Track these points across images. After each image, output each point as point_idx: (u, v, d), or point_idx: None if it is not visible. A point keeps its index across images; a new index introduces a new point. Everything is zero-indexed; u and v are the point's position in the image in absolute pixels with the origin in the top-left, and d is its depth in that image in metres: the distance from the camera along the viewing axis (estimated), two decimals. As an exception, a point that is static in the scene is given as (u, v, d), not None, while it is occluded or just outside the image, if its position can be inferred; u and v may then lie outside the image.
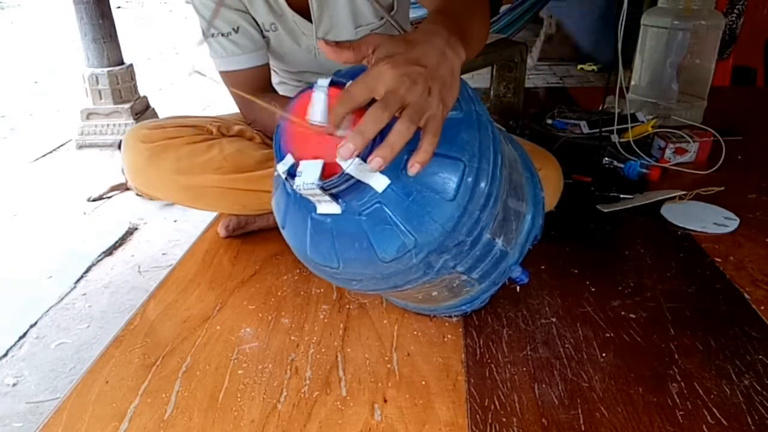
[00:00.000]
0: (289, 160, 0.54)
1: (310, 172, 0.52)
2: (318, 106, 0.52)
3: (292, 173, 0.54)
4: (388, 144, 0.48)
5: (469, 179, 0.56)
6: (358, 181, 0.54)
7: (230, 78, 0.99)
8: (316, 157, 0.53)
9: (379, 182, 0.54)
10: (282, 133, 0.56)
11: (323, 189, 0.53)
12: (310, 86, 0.55)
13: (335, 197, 0.55)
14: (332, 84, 0.54)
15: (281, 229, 0.66)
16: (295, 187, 0.53)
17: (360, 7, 0.97)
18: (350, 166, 0.51)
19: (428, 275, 0.62)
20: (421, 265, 0.59)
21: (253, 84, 1.00)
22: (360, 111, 0.50)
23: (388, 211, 0.56)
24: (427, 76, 0.49)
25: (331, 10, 0.96)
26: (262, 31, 0.99)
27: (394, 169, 0.54)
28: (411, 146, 0.50)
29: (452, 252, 0.60)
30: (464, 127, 0.57)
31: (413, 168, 0.50)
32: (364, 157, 0.50)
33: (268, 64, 1.02)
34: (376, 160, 0.48)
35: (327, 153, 0.53)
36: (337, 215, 0.57)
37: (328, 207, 0.57)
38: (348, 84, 0.51)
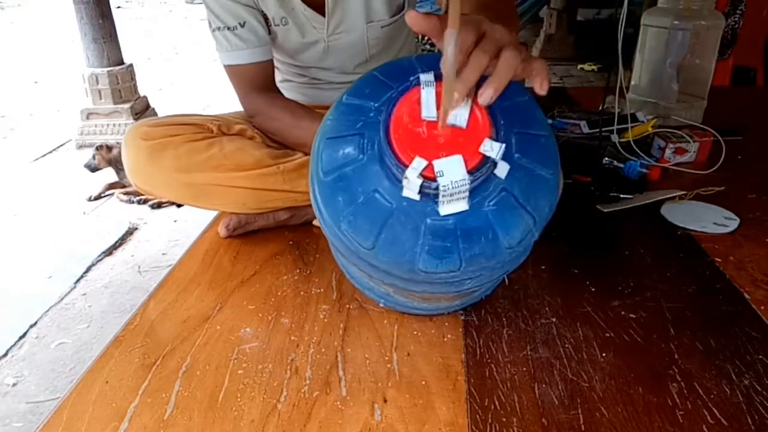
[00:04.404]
0: (420, 163, 0.50)
1: (452, 170, 0.49)
2: (431, 101, 0.51)
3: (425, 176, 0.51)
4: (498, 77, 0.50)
5: (559, 159, 0.59)
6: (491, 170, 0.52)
7: (234, 72, 1.00)
8: (438, 157, 0.50)
9: (503, 168, 0.53)
10: (389, 139, 0.52)
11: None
12: (410, 84, 0.53)
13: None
14: (437, 78, 0.52)
15: (368, 250, 0.58)
16: (442, 187, 0.50)
17: (374, 3, 0.98)
18: (498, 152, 0.50)
19: (522, 257, 0.62)
20: (529, 246, 0.59)
21: (257, 79, 1.01)
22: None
23: (514, 196, 0.55)
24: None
25: (345, 3, 0.97)
26: (270, 26, 1.00)
27: (507, 152, 0.53)
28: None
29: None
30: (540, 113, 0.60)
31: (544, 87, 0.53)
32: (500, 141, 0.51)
33: (272, 60, 1.02)
34: (487, 92, 0.49)
35: (450, 149, 0.51)
36: (460, 213, 0.54)
37: (455, 206, 0.53)
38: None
